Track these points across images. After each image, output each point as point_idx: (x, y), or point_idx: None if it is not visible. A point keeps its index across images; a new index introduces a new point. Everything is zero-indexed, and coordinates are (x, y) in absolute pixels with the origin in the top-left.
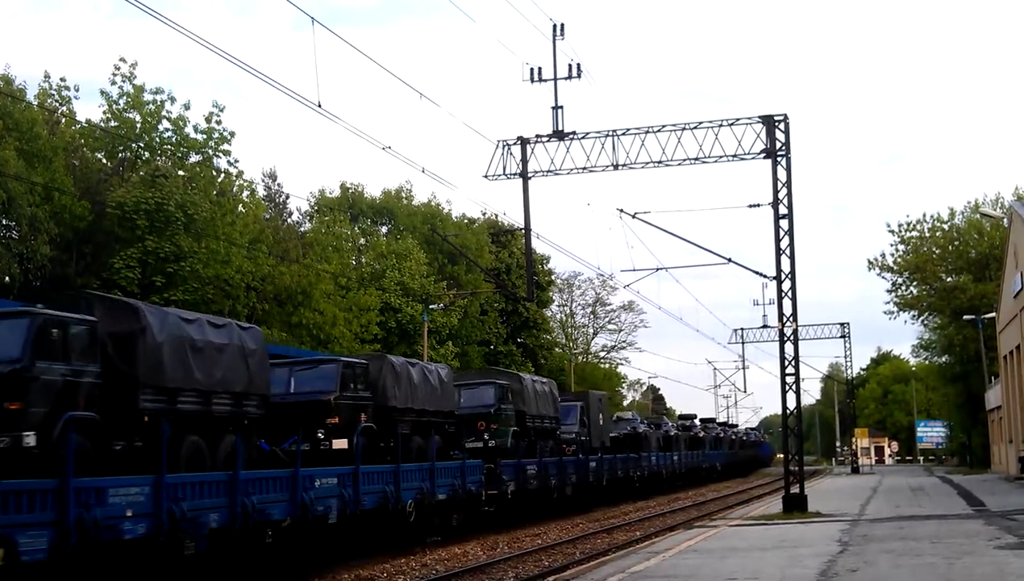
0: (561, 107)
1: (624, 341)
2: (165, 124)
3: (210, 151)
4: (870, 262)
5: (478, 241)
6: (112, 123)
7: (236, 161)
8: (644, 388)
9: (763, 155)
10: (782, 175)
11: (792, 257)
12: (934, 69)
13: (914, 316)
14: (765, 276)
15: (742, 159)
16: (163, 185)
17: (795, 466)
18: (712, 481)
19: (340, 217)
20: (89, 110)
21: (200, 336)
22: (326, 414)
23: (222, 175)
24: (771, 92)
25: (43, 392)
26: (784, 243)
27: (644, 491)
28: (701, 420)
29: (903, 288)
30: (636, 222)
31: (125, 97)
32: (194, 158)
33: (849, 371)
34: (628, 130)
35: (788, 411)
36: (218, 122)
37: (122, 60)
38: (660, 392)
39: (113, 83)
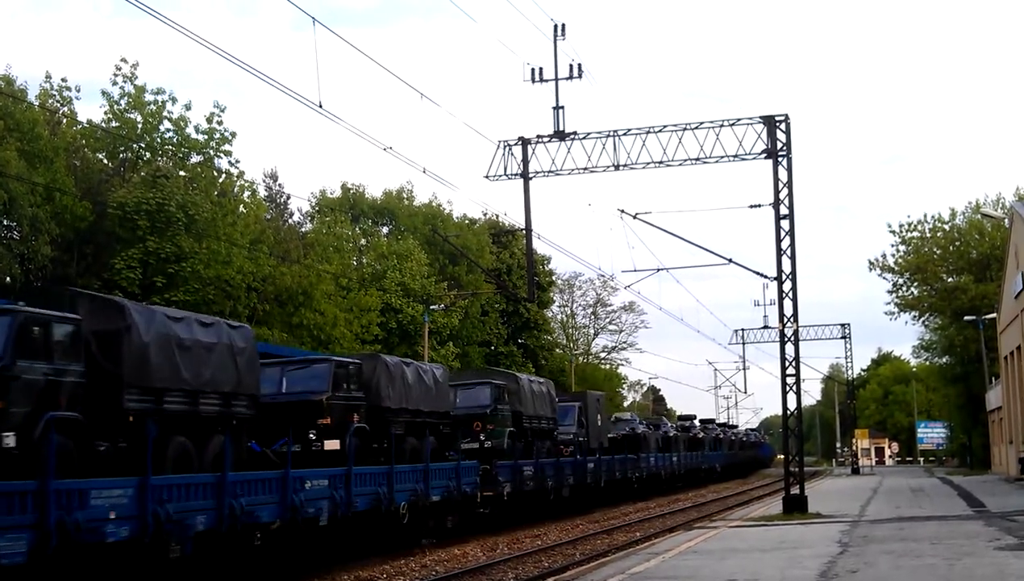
0: (562, 107)
1: (625, 342)
2: (166, 124)
3: (211, 151)
4: (871, 263)
5: (479, 242)
6: (113, 123)
7: (237, 161)
8: (645, 389)
9: (764, 155)
10: (783, 175)
11: (793, 257)
12: (934, 69)
13: (915, 317)
14: (766, 277)
15: (743, 159)
16: (164, 186)
17: (795, 467)
18: (712, 482)
19: (341, 217)
20: (90, 111)
21: (188, 335)
22: (318, 414)
23: (223, 176)
24: (772, 92)
25: (24, 391)
26: (785, 243)
27: (643, 492)
28: (700, 421)
29: (904, 289)
30: (637, 222)
31: (126, 97)
32: (195, 158)
33: (850, 372)
34: (629, 130)
35: (788, 412)
36: (219, 122)
37: (123, 60)
38: (661, 393)
39: (114, 83)
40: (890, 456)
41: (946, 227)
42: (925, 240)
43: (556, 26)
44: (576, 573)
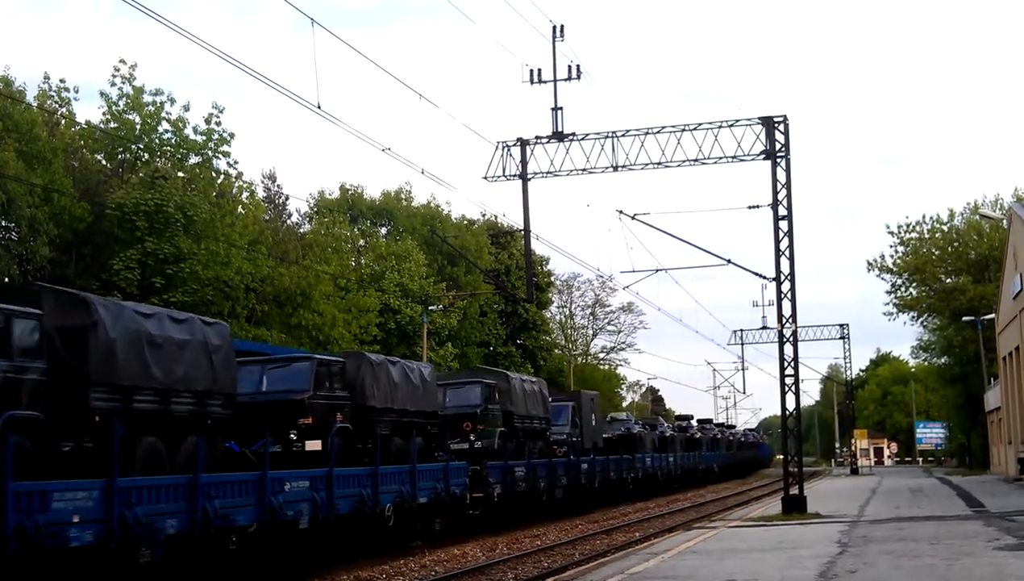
0: (561, 108)
1: (623, 342)
2: (165, 125)
3: (209, 152)
4: (869, 263)
5: (477, 242)
6: (112, 124)
7: (235, 162)
8: (643, 389)
9: (763, 156)
10: (781, 176)
11: (791, 258)
12: (934, 70)
13: (913, 317)
14: (764, 277)
15: (742, 160)
16: (163, 186)
17: (794, 467)
18: (710, 482)
19: (339, 218)
20: (89, 111)
21: (159, 331)
22: (299, 414)
23: (221, 176)
24: (771, 93)
25: None
26: (784, 244)
27: (642, 493)
28: (698, 421)
29: (902, 289)
30: (635, 223)
31: (125, 98)
32: (194, 159)
33: (848, 372)
34: (628, 131)
35: (787, 412)
36: (218, 123)
37: (122, 61)
38: (659, 393)
39: (113, 84)
40: (889, 456)
41: (944, 228)
42: (923, 241)
43: (555, 27)
44: (576, 573)
